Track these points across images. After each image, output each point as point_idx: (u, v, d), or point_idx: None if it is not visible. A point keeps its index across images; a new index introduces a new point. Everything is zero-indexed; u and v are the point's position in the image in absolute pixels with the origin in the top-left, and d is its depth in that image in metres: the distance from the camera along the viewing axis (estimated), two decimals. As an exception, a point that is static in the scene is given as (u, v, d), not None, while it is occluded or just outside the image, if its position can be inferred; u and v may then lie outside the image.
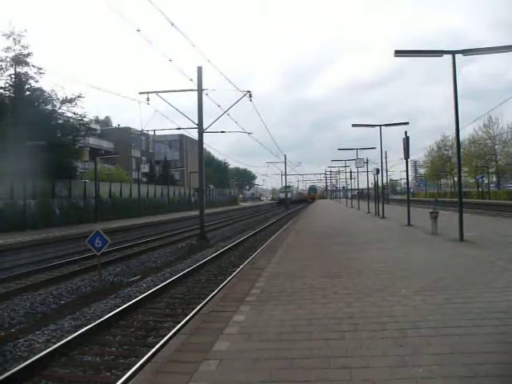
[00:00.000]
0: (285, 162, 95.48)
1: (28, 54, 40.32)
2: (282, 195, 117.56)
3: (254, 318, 8.22)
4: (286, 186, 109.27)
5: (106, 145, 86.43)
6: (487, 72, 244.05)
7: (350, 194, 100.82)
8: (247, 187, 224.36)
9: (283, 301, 9.50)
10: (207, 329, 7.69)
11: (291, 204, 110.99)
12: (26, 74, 40.64)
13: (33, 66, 40.55)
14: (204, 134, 32.21)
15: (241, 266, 19.32)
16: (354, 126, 40.44)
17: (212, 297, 13.05)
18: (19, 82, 40.38)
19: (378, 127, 38.25)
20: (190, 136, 60.46)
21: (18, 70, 40.55)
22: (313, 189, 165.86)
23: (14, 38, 39.60)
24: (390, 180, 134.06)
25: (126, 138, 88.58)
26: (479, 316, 7.77)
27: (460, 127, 20.41)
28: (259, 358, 6.24)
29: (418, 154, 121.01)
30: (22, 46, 39.92)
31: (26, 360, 9.40)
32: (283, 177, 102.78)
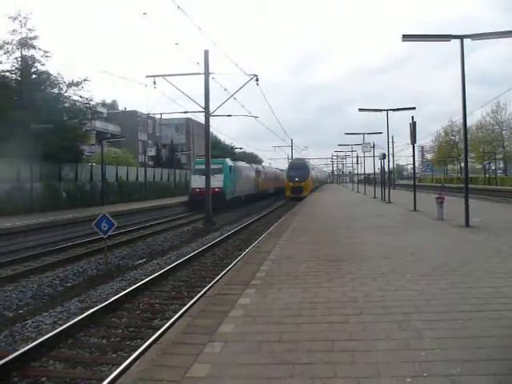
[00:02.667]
0: (291, 146, 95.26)
1: (34, 37, 40.05)
2: (198, 183, 44.86)
3: (258, 301, 8.29)
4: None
5: (112, 128, 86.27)
6: (497, 57, 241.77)
7: (356, 179, 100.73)
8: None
9: (288, 284, 9.56)
10: (212, 311, 7.75)
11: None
12: (32, 57, 40.40)
13: (39, 49, 40.36)
14: (211, 117, 32.24)
15: (246, 250, 19.40)
16: (360, 110, 40.26)
17: (217, 280, 13.13)
18: (25, 65, 40.18)
19: (385, 112, 38.16)
20: (196, 120, 60.22)
21: (24, 53, 40.31)
22: (298, 168, 66.84)
23: (20, 21, 39.34)
24: (397, 165, 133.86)
25: (132, 121, 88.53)
26: (483, 301, 7.80)
27: (467, 112, 20.38)
28: (263, 340, 6.30)
29: (425, 139, 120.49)
30: (29, 29, 39.71)
31: (34, 341, 9.51)
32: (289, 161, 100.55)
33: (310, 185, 67.76)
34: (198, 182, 43.96)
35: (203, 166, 37.24)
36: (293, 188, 62.68)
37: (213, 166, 37.59)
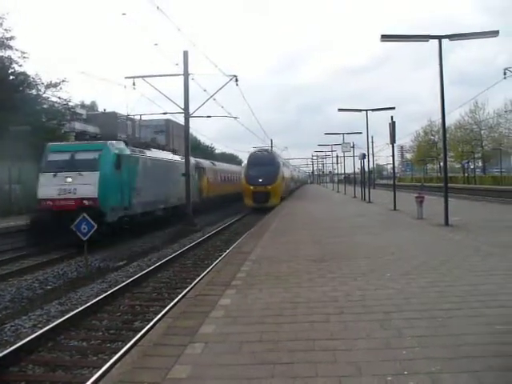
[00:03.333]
0: (271, 147, 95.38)
1: (11, 38, 39.58)
2: (52, 189, 23.40)
3: (239, 302, 8.28)
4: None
5: (91, 129, 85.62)
6: (477, 58, 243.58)
7: (336, 179, 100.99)
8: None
9: (269, 284, 9.56)
10: (193, 312, 7.73)
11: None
12: (9, 57, 40.01)
13: (16, 49, 39.95)
14: (190, 118, 32.15)
15: (227, 251, 19.36)
16: (340, 110, 40.37)
17: (198, 281, 13.10)
18: (2, 66, 39.77)
19: (365, 112, 38.29)
20: (176, 121, 60.21)
21: (0, 53, 39.96)
22: (263, 163, 45.81)
23: (-4, 21, 38.84)
24: (377, 165, 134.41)
25: (111, 122, 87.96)
26: (462, 299, 7.85)
27: (446, 112, 20.54)
28: (244, 340, 6.29)
29: (405, 139, 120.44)
30: (5, 29, 39.23)
31: (13, 345, 9.41)
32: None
33: (280, 188, 45.80)
34: (52, 186, 23.40)
35: (66, 155, 24.18)
36: (255, 194, 43.06)
37: (79, 155, 24.06)
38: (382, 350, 5.76)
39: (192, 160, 37.60)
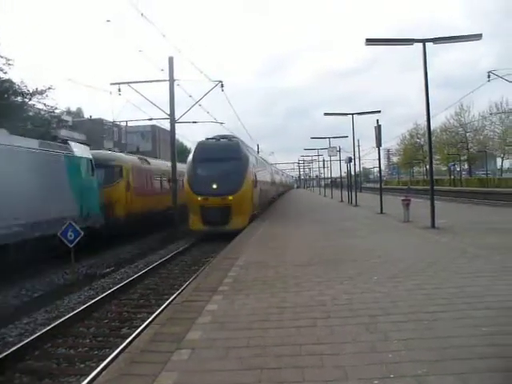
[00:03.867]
0: (257, 152, 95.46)
1: (-6, 44, 39.28)
2: None
3: (226, 307, 8.28)
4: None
5: (77, 136, 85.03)
6: (461, 61, 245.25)
7: (323, 183, 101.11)
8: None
9: (255, 290, 9.56)
10: (180, 319, 7.72)
11: None
12: (-6, 65, 39.75)
13: (1, 56, 39.73)
14: (176, 124, 32.09)
15: (214, 256, 19.29)
16: (326, 114, 40.54)
17: (185, 287, 13.06)
18: (-14, 73, 39.51)
19: (351, 116, 38.41)
20: (162, 127, 60.18)
21: (-16, 61, 39.65)
22: (219, 158, 26.65)
23: (-22, 27, 38.60)
24: (363, 168, 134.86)
25: (98, 129, 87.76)
26: (448, 301, 7.90)
27: (432, 115, 20.70)
28: (231, 346, 6.29)
29: (391, 142, 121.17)
30: (-12, 37, 39.04)
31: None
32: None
33: (248, 200, 27.58)
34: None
35: None
36: (206, 211, 26.33)
37: None
38: (368, 353, 5.78)
39: (82, 149, 23.63)
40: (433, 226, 19.29)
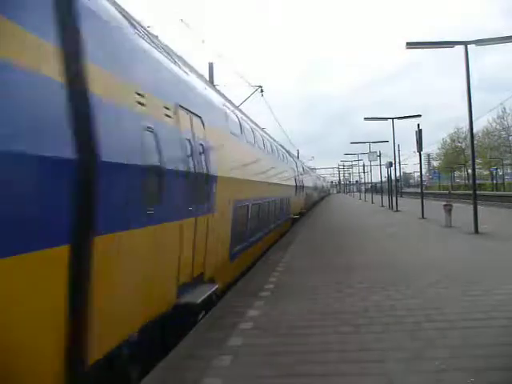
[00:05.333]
0: (297, 157, 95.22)
1: None
2: None
3: (268, 313, 8.21)
4: None
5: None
6: (503, 63, 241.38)
7: (363, 188, 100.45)
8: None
9: (297, 295, 9.49)
10: (221, 324, 7.67)
11: None
12: None
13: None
14: (216, 129, 32.02)
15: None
16: (366, 119, 40.37)
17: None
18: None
19: (391, 120, 38.14)
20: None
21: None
22: None
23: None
24: (403, 173, 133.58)
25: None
26: (495, 308, 7.72)
27: (473, 118, 20.32)
28: (274, 352, 6.21)
29: (432, 146, 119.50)
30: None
31: None
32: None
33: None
34: None
35: None
36: None
37: None
38: (413, 360, 5.66)
39: None
40: (476, 231, 18.93)
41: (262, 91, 31.93)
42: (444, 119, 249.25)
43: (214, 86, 17.50)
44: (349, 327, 7.13)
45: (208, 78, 30.70)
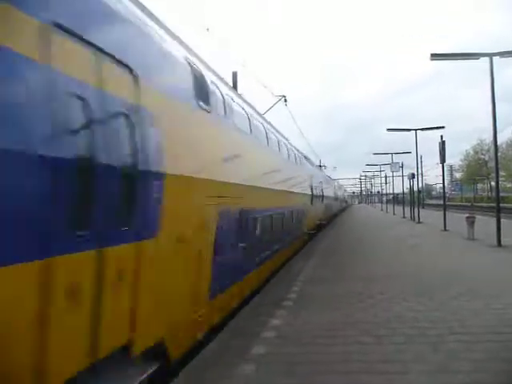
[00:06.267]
0: (320, 166, 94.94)
1: None
2: None
3: (290, 322, 8.23)
4: None
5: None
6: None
7: (384, 199, 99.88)
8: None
9: (319, 304, 9.51)
10: (245, 333, 7.69)
11: None
12: None
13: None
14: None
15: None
16: (388, 130, 40.25)
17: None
18: None
19: (414, 131, 38.03)
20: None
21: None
22: None
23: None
24: (426, 184, 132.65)
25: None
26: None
27: (497, 130, 20.21)
28: (296, 361, 6.23)
29: (454, 158, 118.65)
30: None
31: None
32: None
33: None
34: None
35: None
36: None
37: None
38: (437, 372, 5.64)
39: None
40: (499, 244, 18.78)
41: (285, 100, 31.91)
42: (467, 131, 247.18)
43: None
44: (370, 338, 7.15)
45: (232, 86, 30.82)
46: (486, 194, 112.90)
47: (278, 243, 15.31)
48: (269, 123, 17.35)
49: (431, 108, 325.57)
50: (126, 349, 4.98)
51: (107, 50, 4.80)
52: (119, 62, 5.05)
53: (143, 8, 6.51)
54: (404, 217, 47.26)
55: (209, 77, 9.07)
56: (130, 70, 5.26)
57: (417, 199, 45.68)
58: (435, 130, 35.99)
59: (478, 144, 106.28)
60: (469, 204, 75.61)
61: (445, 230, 28.15)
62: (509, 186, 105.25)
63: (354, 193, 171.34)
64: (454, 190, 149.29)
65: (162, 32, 7.12)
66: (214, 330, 7.63)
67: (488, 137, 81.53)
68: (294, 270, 14.78)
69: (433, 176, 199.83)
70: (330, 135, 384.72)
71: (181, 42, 8.15)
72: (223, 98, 9.85)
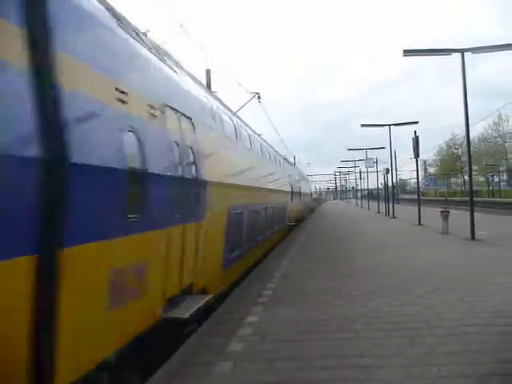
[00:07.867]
0: (294, 163, 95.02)
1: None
2: None
3: (267, 319, 8.23)
4: None
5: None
6: (499, 70, 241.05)
7: (359, 195, 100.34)
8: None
9: (295, 301, 9.53)
10: (221, 330, 7.69)
11: None
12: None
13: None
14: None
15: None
16: (362, 126, 40.48)
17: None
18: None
19: (388, 127, 38.23)
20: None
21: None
22: None
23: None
24: (400, 179, 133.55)
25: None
26: (493, 315, 7.75)
27: (470, 125, 20.40)
28: (274, 358, 6.25)
29: (428, 153, 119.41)
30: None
31: None
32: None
33: None
34: None
35: None
36: None
37: None
38: (412, 366, 5.70)
39: None
40: (473, 237, 18.98)
41: (259, 97, 31.92)
42: (441, 126, 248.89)
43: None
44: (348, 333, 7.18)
45: (205, 85, 30.78)
46: (459, 188, 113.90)
47: (272, 228, 20.04)
48: (264, 140, 23.46)
49: (408, 105, 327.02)
50: (191, 286, 8.18)
51: (187, 114, 8.25)
52: (188, 117, 8.30)
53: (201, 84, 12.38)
54: (379, 212, 47.56)
55: (228, 115, 13.69)
56: (191, 120, 8.50)
57: (391, 194, 46.02)
58: (409, 126, 36.26)
59: (451, 139, 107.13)
60: (443, 198, 76.42)
61: (419, 224, 28.37)
62: (481, 180, 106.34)
63: (329, 189, 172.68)
64: (428, 185, 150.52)
65: (206, 93, 11.84)
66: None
67: (461, 132, 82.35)
68: (269, 267, 14.78)
69: (407, 171, 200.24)
70: (307, 132, 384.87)
71: (214, 96, 13.48)
72: (234, 126, 13.98)
